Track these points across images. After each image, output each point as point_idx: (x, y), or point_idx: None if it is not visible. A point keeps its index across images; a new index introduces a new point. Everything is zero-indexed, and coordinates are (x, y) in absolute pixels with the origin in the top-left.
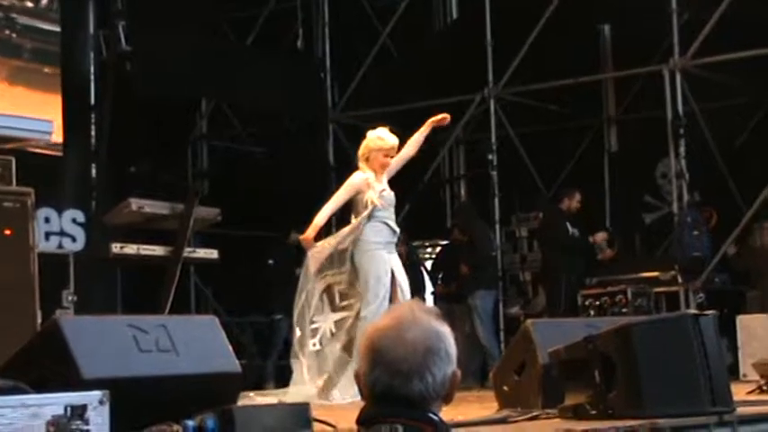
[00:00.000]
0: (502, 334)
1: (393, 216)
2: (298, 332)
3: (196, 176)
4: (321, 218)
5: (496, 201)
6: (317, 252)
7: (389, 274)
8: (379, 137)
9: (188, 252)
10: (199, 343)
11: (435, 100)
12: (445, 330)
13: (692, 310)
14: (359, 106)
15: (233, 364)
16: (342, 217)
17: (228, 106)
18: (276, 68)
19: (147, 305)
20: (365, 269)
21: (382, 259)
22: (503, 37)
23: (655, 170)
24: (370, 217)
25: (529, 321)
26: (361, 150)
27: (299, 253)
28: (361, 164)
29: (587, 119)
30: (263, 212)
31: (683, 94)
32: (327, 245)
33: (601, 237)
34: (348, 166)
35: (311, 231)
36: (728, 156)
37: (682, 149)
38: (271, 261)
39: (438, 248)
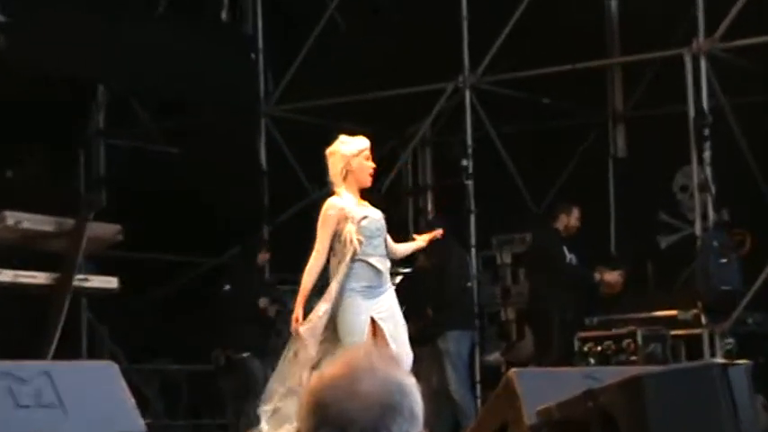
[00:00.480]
0: (478, 387)
1: (380, 246)
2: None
3: (91, 184)
4: (309, 282)
5: (472, 218)
6: (309, 330)
7: (368, 325)
8: (344, 140)
9: (79, 280)
10: (92, 396)
11: (396, 90)
12: (409, 383)
13: (719, 359)
14: (298, 97)
15: (136, 425)
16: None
17: (133, 95)
18: (195, 47)
19: (25, 348)
20: (339, 323)
21: (357, 308)
22: (483, 11)
23: (672, 181)
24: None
25: (513, 371)
26: (334, 168)
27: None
28: (338, 188)
29: (588, 115)
30: (178, 230)
31: (710, 86)
32: (316, 317)
33: (612, 277)
34: (284, 170)
35: (299, 308)
36: (765, 163)
37: (707, 155)
38: (227, 286)
39: (398, 278)
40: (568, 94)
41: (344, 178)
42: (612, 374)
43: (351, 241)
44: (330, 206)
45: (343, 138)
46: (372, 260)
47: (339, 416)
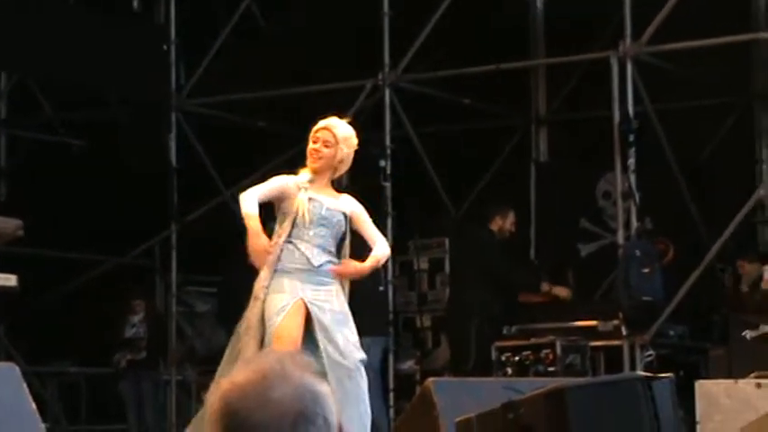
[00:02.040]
0: (391, 395)
1: (323, 242)
2: None
3: None
4: (251, 206)
5: (389, 221)
6: (245, 329)
7: (285, 307)
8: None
9: None
10: None
11: (313, 86)
12: (323, 390)
13: (642, 372)
14: (212, 91)
15: (37, 430)
16: None
17: (36, 84)
18: (104, 37)
19: None
20: (265, 309)
21: (279, 288)
22: (405, 7)
23: (595, 188)
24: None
25: (430, 380)
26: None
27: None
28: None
29: (511, 118)
30: (81, 227)
31: (636, 91)
32: (250, 312)
33: (562, 292)
34: (195, 168)
35: (256, 237)
36: (691, 172)
37: (631, 162)
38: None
39: None
40: (491, 96)
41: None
42: (533, 386)
43: (300, 210)
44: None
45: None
46: (303, 248)
47: (249, 423)
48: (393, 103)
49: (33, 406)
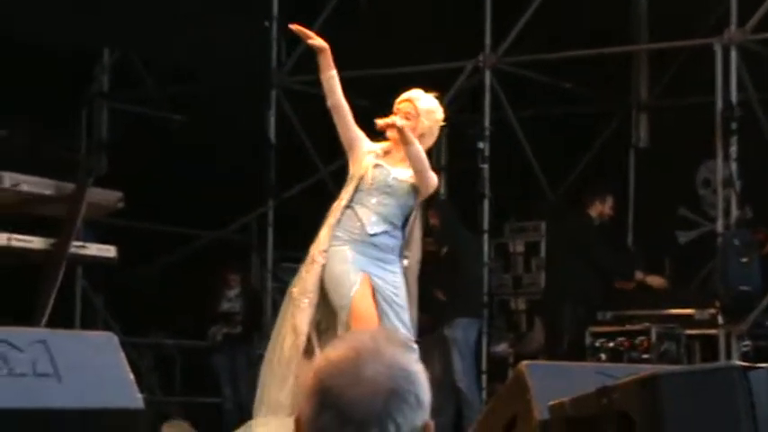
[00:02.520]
0: (484, 378)
1: (386, 210)
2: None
3: (92, 148)
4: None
5: (486, 203)
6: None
7: (354, 282)
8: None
9: (76, 247)
10: (90, 368)
11: (413, 66)
12: (417, 369)
13: (739, 362)
14: (312, 68)
15: (134, 399)
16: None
17: (139, 58)
18: (205, 12)
19: (16, 315)
20: (326, 278)
21: (342, 258)
22: None
23: (695, 175)
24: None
25: (524, 363)
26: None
27: None
28: None
29: (611, 103)
30: (180, 200)
31: (739, 78)
32: (304, 271)
33: (657, 281)
34: (294, 146)
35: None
36: None
37: (733, 150)
38: None
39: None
40: (591, 80)
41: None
42: (626, 372)
43: (362, 174)
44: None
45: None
46: (361, 212)
47: (341, 401)
48: (493, 86)
49: (131, 375)
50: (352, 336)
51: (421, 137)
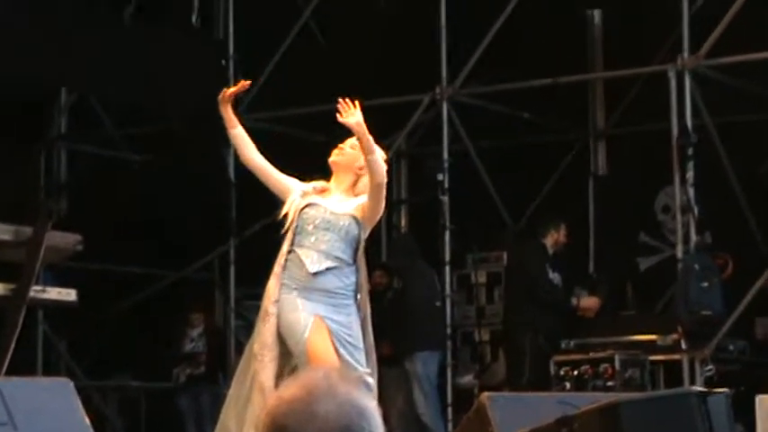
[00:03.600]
0: (449, 411)
1: (328, 247)
2: None
3: (51, 191)
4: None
5: (447, 235)
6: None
7: (306, 325)
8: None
9: (36, 291)
10: (46, 414)
11: (371, 100)
12: (370, 406)
13: (698, 387)
14: (271, 105)
15: None
16: None
17: (97, 100)
18: (163, 52)
19: None
20: (281, 328)
21: (292, 306)
22: (462, 21)
23: (654, 201)
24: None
25: (485, 395)
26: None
27: None
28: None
29: (569, 131)
30: (140, 241)
31: (694, 104)
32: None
33: (588, 303)
34: (254, 183)
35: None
36: (750, 186)
37: (690, 175)
38: None
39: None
40: (549, 109)
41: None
42: (588, 400)
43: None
44: None
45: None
46: (303, 255)
47: None
48: (451, 117)
49: (87, 420)
50: (305, 374)
51: (361, 169)
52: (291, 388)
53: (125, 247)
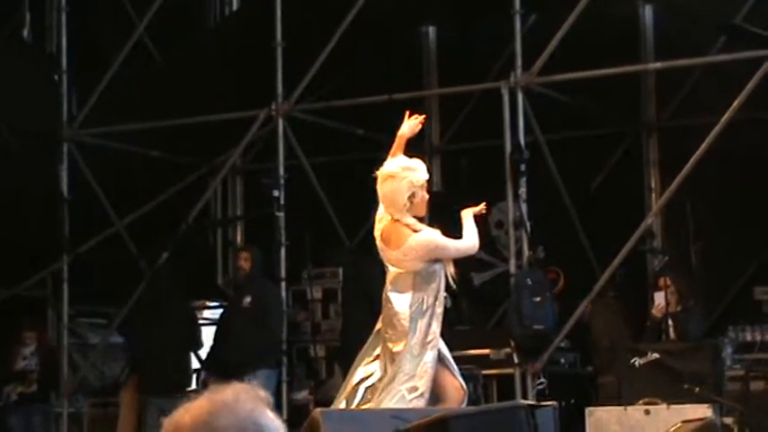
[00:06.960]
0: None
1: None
2: None
3: None
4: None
5: (283, 251)
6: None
7: None
8: (407, 166)
9: None
10: None
11: (207, 116)
12: (272, 424)
13: (527, 400)
14: (105, 121)
15: None
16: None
17: None
18: None
19: None
20: None
21: None
22: (297, 37)
23: (489, 216)
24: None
25: (318, 410)
26: (397, 194)
27: None
28: (404, 216)
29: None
30: None
31: (527, 121)
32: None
33: None
34: (88, 199)
35: None
36: (581, 201)
37: (522, 191)
38: None
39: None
40: (384, 126)
41: (411, 203)
42: (420, 415)
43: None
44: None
45: (403, 161)
46: None
47: None
48: (287, 133)
49: None
50: (215, 390)
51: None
52: (199, 401)
53: None
